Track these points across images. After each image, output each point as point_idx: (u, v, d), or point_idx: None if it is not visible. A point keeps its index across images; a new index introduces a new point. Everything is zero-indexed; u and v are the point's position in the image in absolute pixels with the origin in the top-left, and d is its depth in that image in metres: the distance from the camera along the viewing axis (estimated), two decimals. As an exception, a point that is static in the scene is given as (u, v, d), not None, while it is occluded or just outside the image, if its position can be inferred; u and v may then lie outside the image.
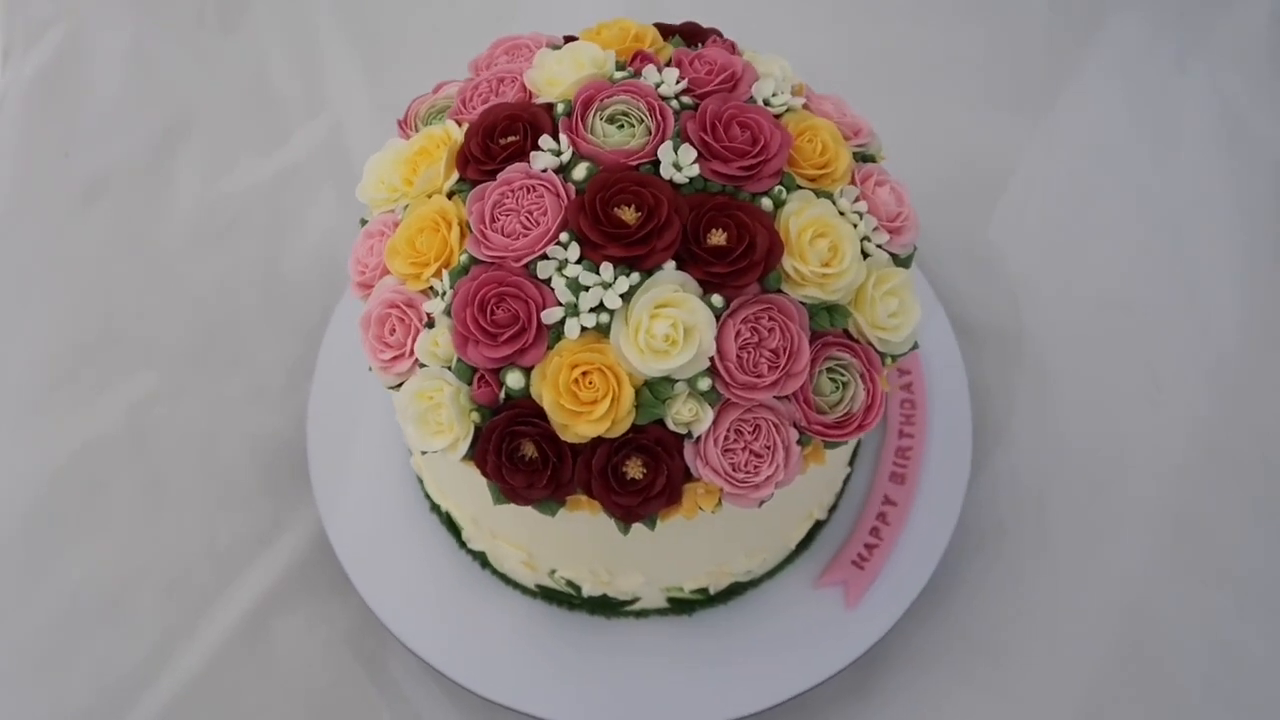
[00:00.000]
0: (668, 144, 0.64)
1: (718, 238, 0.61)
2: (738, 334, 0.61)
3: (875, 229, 0.66)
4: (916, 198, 0.69)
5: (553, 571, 0.76)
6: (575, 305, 0.61)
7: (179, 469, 0.89)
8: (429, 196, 0.66)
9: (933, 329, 0.89)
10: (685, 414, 0.61)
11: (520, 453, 0.61)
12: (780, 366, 0.61)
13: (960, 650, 0.82)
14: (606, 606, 0.79)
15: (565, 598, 0.79)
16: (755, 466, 0.62)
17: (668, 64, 0.69)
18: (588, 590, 0.77)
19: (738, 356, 0.61)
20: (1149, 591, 0.84)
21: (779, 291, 0.63)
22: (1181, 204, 1.00)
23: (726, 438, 0.61)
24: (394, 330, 0.64)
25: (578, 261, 0.62)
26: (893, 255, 0.67)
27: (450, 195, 0.66)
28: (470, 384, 0.62)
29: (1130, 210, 1.00)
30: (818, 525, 0.82)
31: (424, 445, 0.62)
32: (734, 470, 0.62)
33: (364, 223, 0.70)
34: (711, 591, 0.79)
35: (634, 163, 0.64)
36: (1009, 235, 0.99)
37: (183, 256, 0.99)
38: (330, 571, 0.83)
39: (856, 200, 0.66)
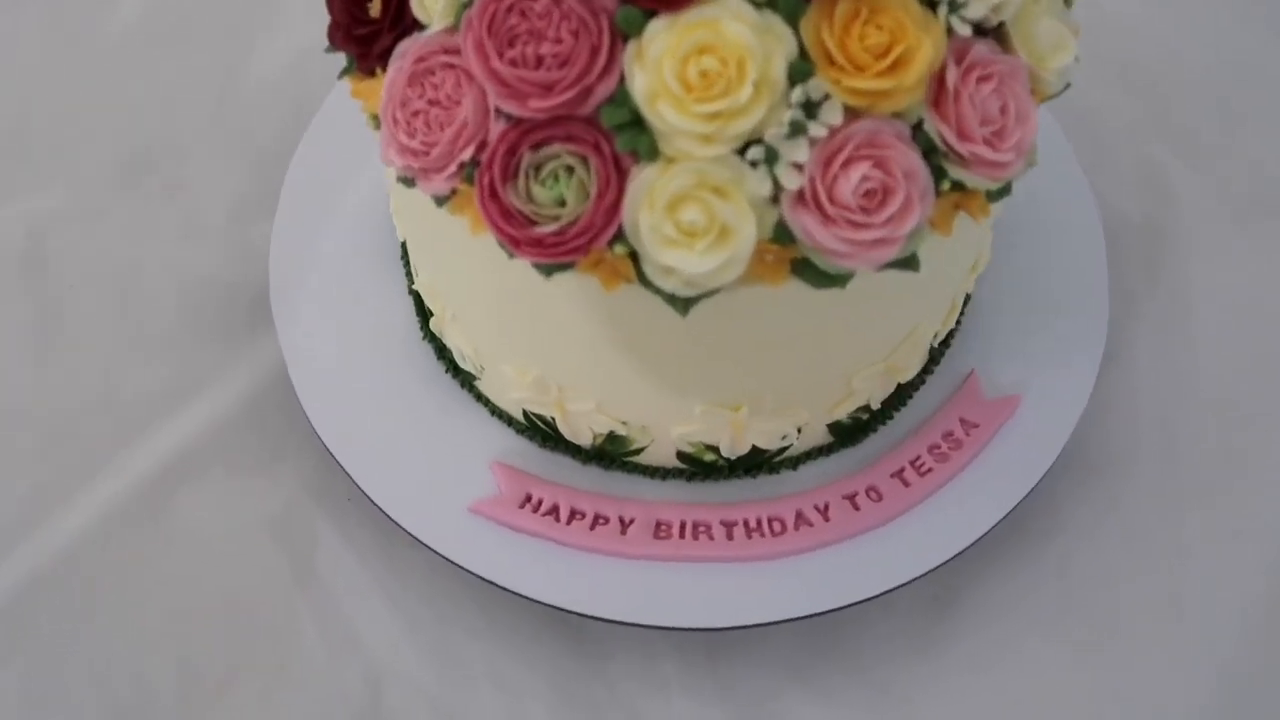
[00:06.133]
0: None
1: None
2: None
3: (795, 166, 0.46)
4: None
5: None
6: None
7: (82, 303, 0.73)
8: None
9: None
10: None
11: None
12: (522, 67, 0.46)
13: (1057, 608, 0.66)
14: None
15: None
16: (413, 126, 0.49)
17: None
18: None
19: (493, 14, 0.47)
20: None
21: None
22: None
23: (429, 69, 0.49)
24: None
25: None
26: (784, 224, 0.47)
27: None
28: None
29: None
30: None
31: None
32: (401, 105, 0.49)
33: None
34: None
35: None
36: (1158, 133, 0.82)
37: (120, 58, 0.83)
38: (259, 441, 0.69)
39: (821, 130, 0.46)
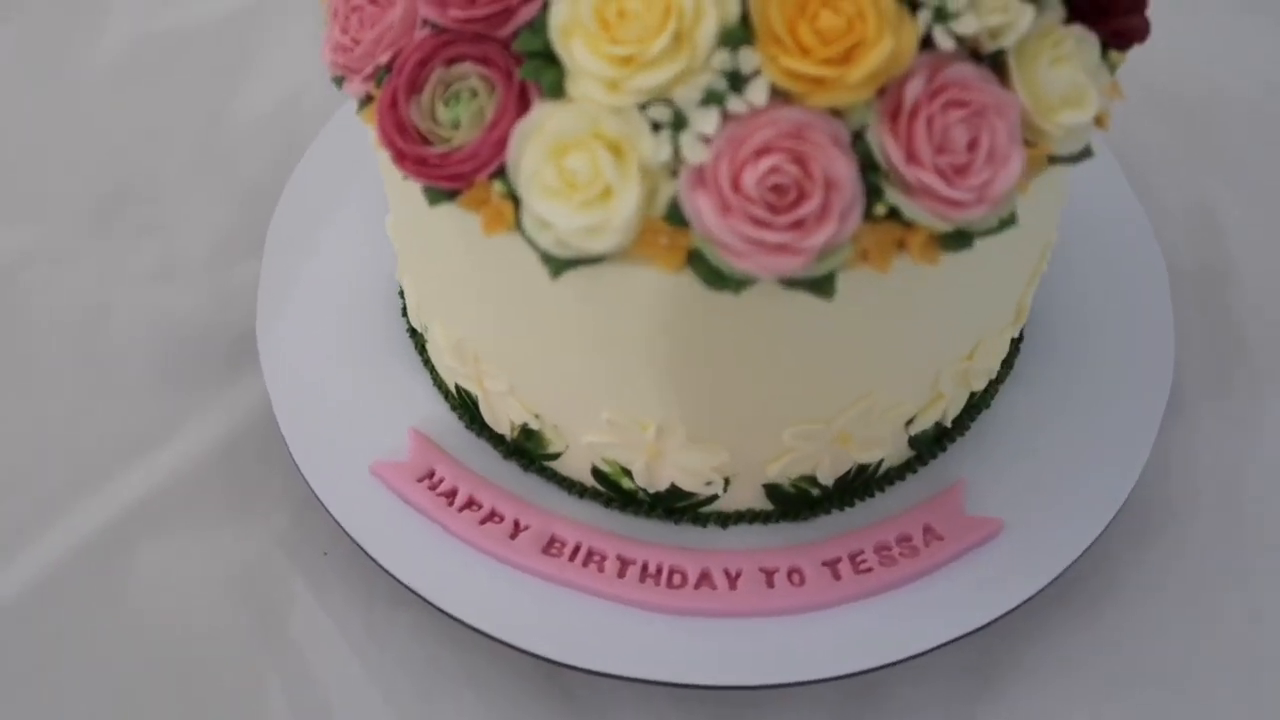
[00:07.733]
0: None
1: None
2: None
3: (702, 138, 0.41)
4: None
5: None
6: None
7: (50, 345, 0.68)
8: None
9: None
10: None
11: None
12: None
13: (1115, 674, 0.59)
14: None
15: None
16: (349, 21, 0.47)
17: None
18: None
19: None
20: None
21: None
22: None
23: None
24: None
25: None
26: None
27: None
28: None
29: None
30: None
31: None
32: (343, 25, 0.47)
33: None
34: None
35: None
36: (1224, 177, 0.77)
37: (104, 94, 0.79)
38: (232, 491, 0.63)
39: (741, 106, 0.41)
